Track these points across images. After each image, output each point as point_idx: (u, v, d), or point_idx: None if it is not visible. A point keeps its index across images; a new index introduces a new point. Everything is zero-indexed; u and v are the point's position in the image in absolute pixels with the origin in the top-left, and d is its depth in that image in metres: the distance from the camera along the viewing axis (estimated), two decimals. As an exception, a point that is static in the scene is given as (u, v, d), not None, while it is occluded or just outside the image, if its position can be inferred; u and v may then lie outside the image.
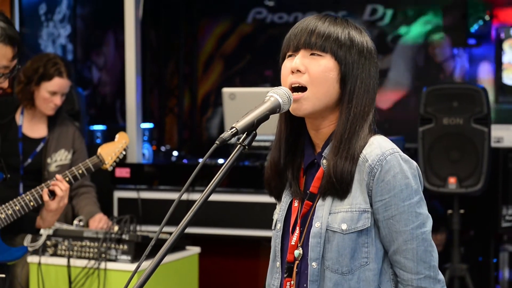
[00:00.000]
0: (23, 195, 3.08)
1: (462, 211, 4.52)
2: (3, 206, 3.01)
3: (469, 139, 4.43)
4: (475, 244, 5.00)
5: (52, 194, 3.18)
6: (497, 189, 4.72)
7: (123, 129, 5.16)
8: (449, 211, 4.52)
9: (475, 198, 4.54)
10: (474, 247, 4.98)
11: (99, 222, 3.90)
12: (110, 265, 3.55)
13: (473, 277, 4.52)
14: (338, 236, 1.84)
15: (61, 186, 3.11)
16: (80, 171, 3.23)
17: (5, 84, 2.93)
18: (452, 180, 4.42)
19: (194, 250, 4.00)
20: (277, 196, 2.03)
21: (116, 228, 3.59)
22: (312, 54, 1.86)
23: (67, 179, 3.20)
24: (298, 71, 1.86)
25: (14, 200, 3.04)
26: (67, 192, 3.17)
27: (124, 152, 3.46)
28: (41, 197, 3.10)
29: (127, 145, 3.48)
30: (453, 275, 4.50)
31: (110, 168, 3.43)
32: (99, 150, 3.38)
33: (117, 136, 3.48)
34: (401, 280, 1.87)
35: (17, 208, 3.03)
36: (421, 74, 6.92)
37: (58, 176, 3.18)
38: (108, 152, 3.38)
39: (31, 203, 3.07)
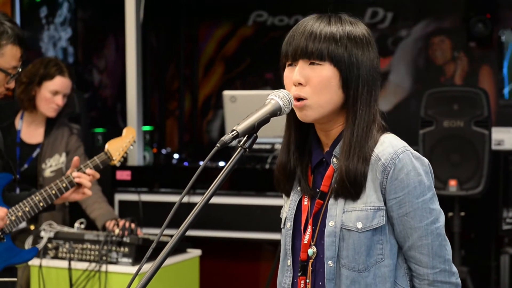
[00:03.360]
0: (33, 196, 3.07)
1: (462, 213, 4.52)
2: (13, 208, 3.01)
3: (469, 142, 4.43)
4: (476, 247, 5.00)
5: (71, 185, 3.17)
6: (497, 191, 4.72)
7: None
8: (450, 214, 4.52)
9: (476, 201, 4.54)
10: (474, 250, 4.98)
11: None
12: (111, 268, 3.56)
13: (473, 280, 4.52)
14: (354, 235, 1.86)
15: (85, 178, 3.16)
16: (88, 169, 3.21)
17: (12, 84, 2.94)
18: (452, 183, 4.42)
19: (195, 252, 4.01)
20: (287, 194, 2.04)
21: (117, 230, 3.59)
22: (311, 63, 1.87)
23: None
24: (300, 84, 1.87)
25: (24, 201, 3.03)
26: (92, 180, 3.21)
27: (131, 147, 3.43)
28: (50, 197, 3.09)
29: (134, 139, 3.44)
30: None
31: (118, 164, 3.39)
32: (107, 146, 3.33)
33: (124, 131, 3.44)
34: (417, 275, 1.90)
35: (27, 209, 3.03)
36: (422, 77, 6.92)
37: (77, 173, 3.17)
38: (116, 148, 3.34)
39: (41, 204, 3.07)
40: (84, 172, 3.19)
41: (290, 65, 1.90)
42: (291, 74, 1.89)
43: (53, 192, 3.11)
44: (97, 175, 3.23)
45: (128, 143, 3.39)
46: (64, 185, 3.13)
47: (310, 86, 1.86)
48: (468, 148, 4.43)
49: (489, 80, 6.67)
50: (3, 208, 2.91)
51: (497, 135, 5.05)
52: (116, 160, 3.33)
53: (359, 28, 1.91)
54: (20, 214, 3.01)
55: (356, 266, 1.86)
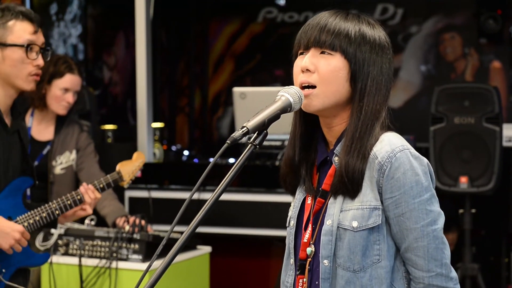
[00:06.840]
0: (50, 203, 3.10)
1: (473, 210, 4.51)
2: (30, 212, 3.03)
3: (480, 139, 4.41)
4: (487, 244, 4.98)
5: (80, 201, 3.20)
6: (508, 188, 4.70)
7: (134, 128, 5.17)
8: (461, 211, 4.51)
9: (487, 198, 4.52)
10: (485, 246, 4.96)
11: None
12: (121, 265, 3.57)
13: (484, 277, 4.51)
14: (349, 234, 1.84)
15: (90, 194, 3.18)
16: (101, 186, 3.26)
17: (41, 61, 2.95)
18: (463, 180, 4.41)
19: (205, 249, 4.01)
20: (293, 192, 2.02)
21: (127, 227, 3.60)
22: (322, 52, 1.86)
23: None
24: (308, 70, 1.86)
25: (42, 207, 3.06)
26: (95, 201, 3.22)
27: (139, 171, 3.49)
28: (66, 207, 3.12)
29: (143, 163, 3.50)
30: (464, 275, 4.49)
31: (126, 186, 3.46)
32: (119, 166, 3.39)
33: (134, 155, 3.49)
34: (413, 278, 1.87)
35: (44, 215, 3.06)
36: (432, 73, 6.90)
37: (87, 186, 3.21)
38: (127, 170, 3.41)
39: (57, 212, 3.10)
40: (98, 189, 3.24)
41: (301, 53, 1.90)
42: (300, 61, 1.89)
43: (57, 210, 3.13)
44: (99, 197, 3.26)
45: (137, 166, 3.46)
46: (69, 202, 3.16)
47: (318, 74, 1.85)
48: (479, 145, 4.42)
49: (500, 77, 6.65)
50: (19, 226, 2.90)
51: (508, 132, 5.03)
52: (126, 181, 3.40)
53: (375, 31, 1.91)
54: (37, 218, 3.03)
55: (351, 266, 1.84)
